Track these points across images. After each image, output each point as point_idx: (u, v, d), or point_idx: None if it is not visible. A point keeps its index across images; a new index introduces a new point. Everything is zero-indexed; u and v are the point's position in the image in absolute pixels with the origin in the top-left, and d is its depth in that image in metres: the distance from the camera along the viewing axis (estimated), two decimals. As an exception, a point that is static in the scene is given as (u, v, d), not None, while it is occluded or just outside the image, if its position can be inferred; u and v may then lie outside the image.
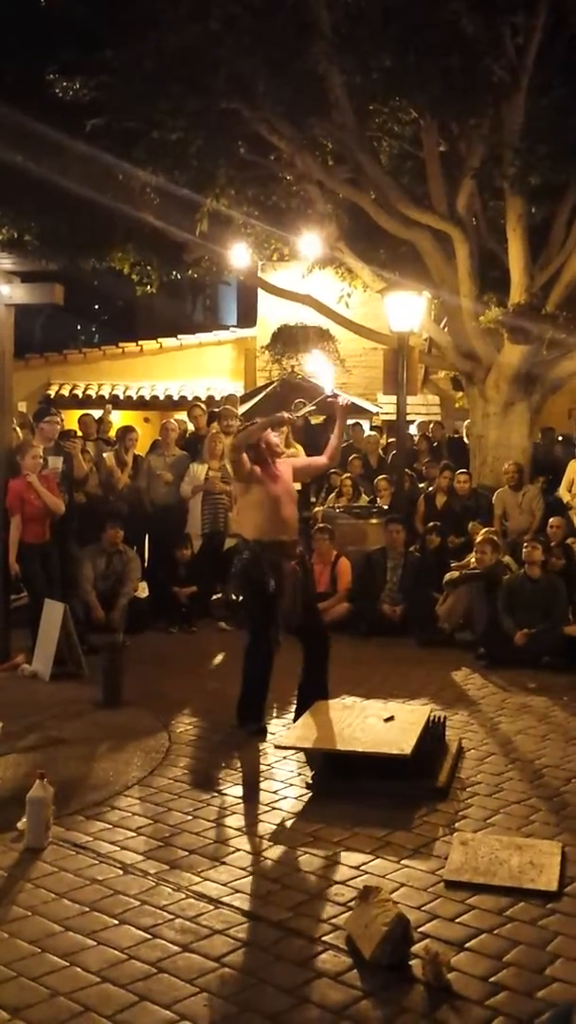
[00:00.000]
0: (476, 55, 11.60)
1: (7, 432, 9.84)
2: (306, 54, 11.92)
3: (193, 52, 11.96)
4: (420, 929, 4.44)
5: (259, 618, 7.43)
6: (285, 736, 6.84)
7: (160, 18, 11.84)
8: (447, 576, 10.94)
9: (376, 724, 6.66)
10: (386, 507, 12.46)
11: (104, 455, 12.14)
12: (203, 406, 14.19)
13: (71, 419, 14.35)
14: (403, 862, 5.17)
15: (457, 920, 4.57)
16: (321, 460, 8.11)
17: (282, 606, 7.30)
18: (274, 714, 7.80)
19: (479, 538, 10.97)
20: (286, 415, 7.72)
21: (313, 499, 13.29)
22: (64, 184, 12.82)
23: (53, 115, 12.39)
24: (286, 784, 6.37)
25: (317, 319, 17.88)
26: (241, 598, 7.91)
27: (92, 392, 21.08)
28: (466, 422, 14.91)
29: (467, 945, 4.33)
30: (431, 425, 15.72)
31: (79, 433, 12.84)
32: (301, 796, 6.18)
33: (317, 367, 8.77)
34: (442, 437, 15.19)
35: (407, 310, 12.68)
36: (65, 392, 21.14)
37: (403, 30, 11.52)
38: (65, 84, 12.68)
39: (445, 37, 11.41)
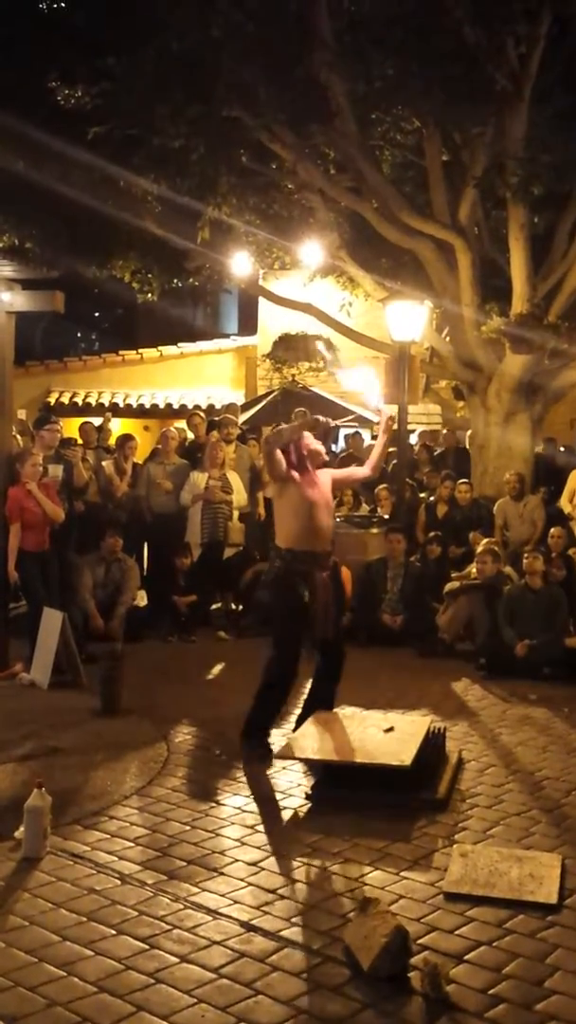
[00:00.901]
0: (478, 64, 11.62)
1: (7, 439, 9.81)
2: (308, 62, 11.94)
3: (195, 59, 11.98)
4: (419, 941, 4.41)
5: (287, 632, 7.20)
6: (284, 746, 6.80)
7: (161, 25, 11.85)
8: (448, 586, 10.92)
9: (376, 734, 6.64)
10: (386, 516, 12.44)
11: (103, 463, 12.12)
12: (202, 414, 14.17)
13: (71, 427, 14.34)
14: (402, 874, 5.14)
15: (456, 932, 4.54)
16: (363, 471, 7.99)
17: (313, 618, 7.11)
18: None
19: (480, 548, 10.95)
20: (321, 419, 7.64)
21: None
22: (65, 191, 12.83)
23: (54, 122, 12.41)
24: (285, 794, 6.34)
25: (318, 328, 17.89)
26: (271, 609, 7.69)
27: (92, 400, 21.09)
28: (468, 432, 14.90)
29: (466, 957, 4.31)
30: (443, 433, 15.66)
31: (79, 441, 12.81)
32: (300, 807, 6.16)
33: (363, 381, 8.54)
34: (453, 445, 15.10)
35: (408, 319, 12.67)
36: (65, 400, 21.15)
37: (405, 39, 11.54)
38: (67, 91, 12.69)
39: (447, 46, 11.43)
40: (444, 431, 15.73)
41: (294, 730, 7.19)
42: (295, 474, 7.18)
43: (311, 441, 7.34)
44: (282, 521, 7.24)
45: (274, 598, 7.38)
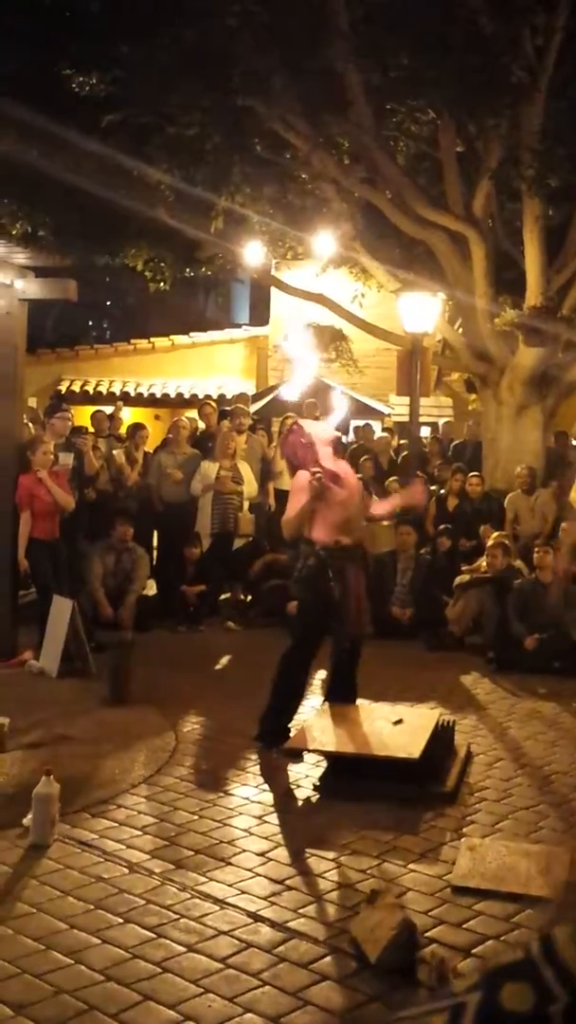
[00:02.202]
0: (495, 55, 11.57)
1: (18, 427, 9.82)
2: (323, 52, 11.90)
3: (209, 48, 11.94)
4: (427, 934, 4.40)
5: (311, 627, 7.13)
6: (294, 737, 6.80)
7: (176, 13, 11.83)
8: (457, 579, 10.89)
9: (385, 727, 6.62)
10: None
11: (114, 452, 12.12)
12: (213, 404, 14.16)
13: (81, 415, 14.34)
14: (410, 866, 5.13)
15: (464, 926, 4.53)
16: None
17: (347, 612, 7.00)
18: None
19: (490, 542, 10.92)
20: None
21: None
22: (79, 180, 12.81)
23: (68, 110, 12.38)
24: (294, 785, 6.34)
25: (331, 319, 17.85)
26: (299, 604, 7.54)
27: (103, 388, 21.06)
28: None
29: (474, 951, 4.30)
30: (467, 424, 15.59)
31: (91, 429, 12.83)
32: (308, 798, 6.15)
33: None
34: (474, 437, 14.99)
35: (421, 311, 12.64)
36: (76, 388, 21.12)
37: (421, 29, 11.49)
38: (80, 79, 12.68)
39: (463, 37, 11.38)
40: (469, 422, 15.65)
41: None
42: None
43: (310, 431, 7.14)
44: (316, 516, 7.06)
45: (304, 593, 7.27)
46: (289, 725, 7.09)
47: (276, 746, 6.88)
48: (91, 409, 14.65)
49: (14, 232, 13.86)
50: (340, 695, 7.27)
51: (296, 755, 6.71)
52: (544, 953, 0.66)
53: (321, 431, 7.23)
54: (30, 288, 9.38)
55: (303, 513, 7.06)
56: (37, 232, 14.44)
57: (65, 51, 12.68)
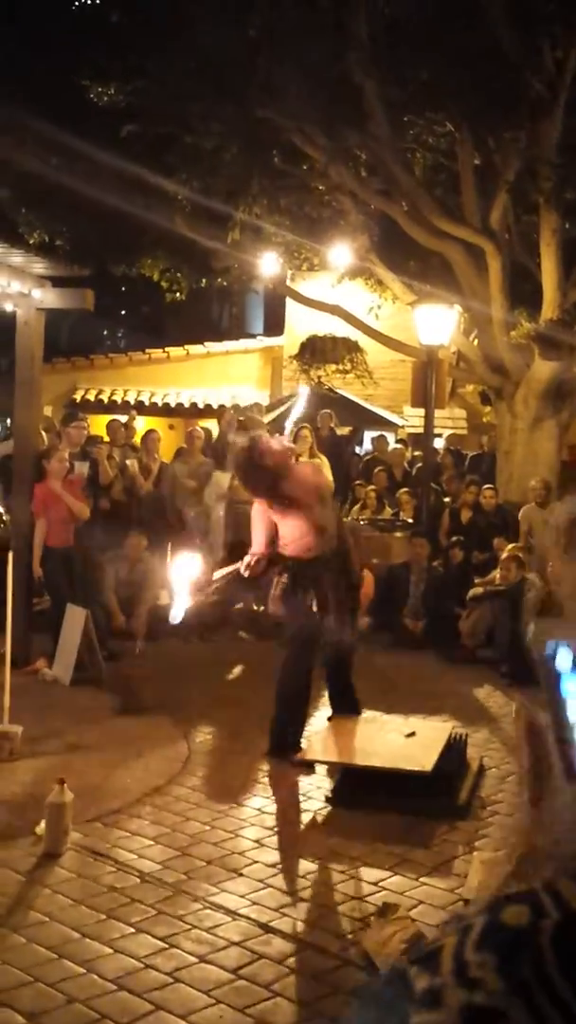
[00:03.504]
0: (514, 68, 11.58)
1: (35, 436, 9.84)
2: (342, 64, 11.93)
3: (228, 59, 11.99)
4: (439, 948, 4.39)
5: (298, 638, 7.08)
6: (305, 749, 6.79)
7: (196, 24, 11.88)
8: (471, 592, 10.87)
9: (397, 739, 6.62)
10: (409, 520, 12.41)
11: (128, 462, 12.14)
12: (233, 412, 14.19)
13: (96, 424, 14.37)
14: (422, 879, 5.13)
15: (476, 940, 4.51)
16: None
17: (328, 623, 6.98)
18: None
19: (504, 554, 10.90)
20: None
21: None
22: (96, 190, 12.87)
23: (86, 120, 12.45)
24: (305, 797, 6.34)
25: (346, 330, 17.88)
26: (281, 620, 7.46)
27: (118, 397, 21.08)
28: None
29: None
30: (488, 436, 15.57)
31: (106, 439, 12.85)
32: (320, 809, 6.15)
33: None
34: (493, 448, 14.94)
35: (437, 323, 12.65)
36: (91, 397, 21.15)
37: (440, 41, 11.52)
38: (99, 89, 12.74)
39: (483, 50, 11.39)
40: (491, 434, 15.64)
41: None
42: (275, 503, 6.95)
43: (273, 443, 6.99)
44: (283, 532, 7.03)
45: (281, 608, 7.21)
46: (300, 737, 7.08)
47: (288, 758, 6.86)
48: (106, 418, 14.69)
49: (32, 242, 13.93)
50: (341, 707, 7.27)
51: (308, 767, 6.71)
52: (544, 887, 0.76)
53: (275, 449, 6.95)
54: (47, 297, 9.40)
55: (259, 566, 7.06)
56: (54, 242, 14.51)
57: (85, 61, 12.74)
